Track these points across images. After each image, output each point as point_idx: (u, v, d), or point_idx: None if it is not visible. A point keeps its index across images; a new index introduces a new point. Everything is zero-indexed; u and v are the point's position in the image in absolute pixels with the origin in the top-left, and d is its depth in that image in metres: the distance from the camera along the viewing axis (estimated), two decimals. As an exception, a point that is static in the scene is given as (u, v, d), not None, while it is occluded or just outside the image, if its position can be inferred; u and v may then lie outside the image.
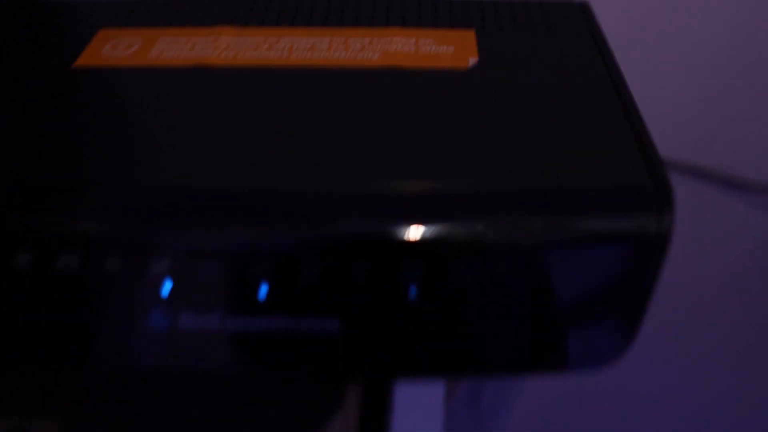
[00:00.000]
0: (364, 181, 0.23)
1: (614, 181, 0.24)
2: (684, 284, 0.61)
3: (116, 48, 0.31)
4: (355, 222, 0.22)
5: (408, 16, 0.33)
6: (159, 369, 0.24)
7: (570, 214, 0.23)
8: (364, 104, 0.27)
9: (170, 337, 0.23)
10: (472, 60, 0.30)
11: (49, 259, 0.23)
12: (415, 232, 0.22)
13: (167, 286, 0.23)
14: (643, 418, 0.71)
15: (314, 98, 0.27)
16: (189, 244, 0.22)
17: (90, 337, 0.24)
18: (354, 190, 0.23)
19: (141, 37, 0.32)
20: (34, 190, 0.23)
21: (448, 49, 0.31)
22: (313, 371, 0.24)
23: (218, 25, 0.32)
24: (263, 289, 0.23)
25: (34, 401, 0.24)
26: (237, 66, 0.30)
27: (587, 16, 0.34)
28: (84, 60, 0.30)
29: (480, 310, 0.24)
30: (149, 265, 0.23)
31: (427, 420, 0.23)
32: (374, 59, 0.30)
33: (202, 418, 0.23)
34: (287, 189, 0.23)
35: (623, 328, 0.25)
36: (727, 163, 0.55)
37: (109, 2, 0.35)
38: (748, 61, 0.52)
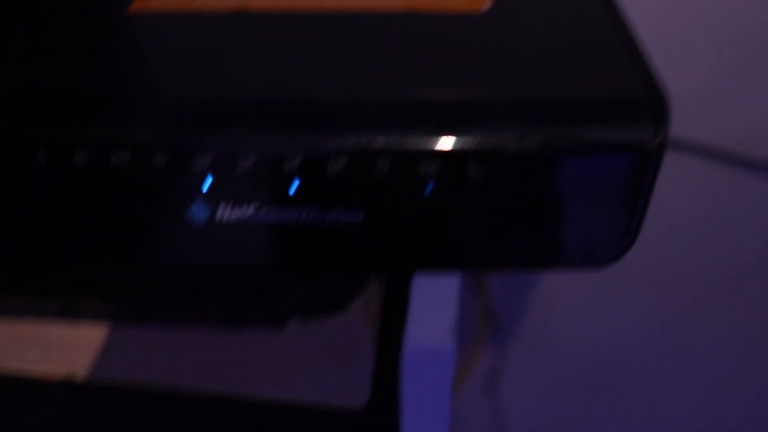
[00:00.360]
0: (386, 91, 0.26)
1: (612, 93, 0.26)
2: (703, 267, 0.62)
3: (165, -1, 0.34)
4: (377, 125, 0.25)
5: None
6: (197, 263, 0.27)
7: (570, 122, 0.26)
8: (389, 38, 0.30)
9: (209, 231, 0.26)
10: (486, 5, 0.33)
11: (103, 158, 0.26)
12: (430, 135, 0.25)
13: (208, 182, 0.26)
14: (661, 409, 0.72)
15: (345, 37, 0.30)
16: (231, 144, 0.25)
17: (136, 232, 0.27)
18: (377, 98, 0.26)
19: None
20: (94, 99, 0.26)
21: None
22: (338, 262, 0.26)
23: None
24: (294, 184, 0.25)
25: (81, 282, 0.26)
26: (273, 10, 0.32)
27: None
28: (137, 6, 0.33)
29: (487, 209, 0.26)
30: (193, 163, 0.25)
31: (441, 312, 0.25)
32: (398, 4, 0.33)
33: (234, 301, 0.25)
34: (317, 98, 0.26)
35: (620, 230, 0.27)
36: (743, 143, 0.57)
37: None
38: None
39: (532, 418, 0.75)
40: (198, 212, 0.26)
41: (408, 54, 0.29)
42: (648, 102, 0.26)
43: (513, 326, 0.62)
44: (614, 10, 0.33)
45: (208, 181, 0.26)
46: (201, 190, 0.26)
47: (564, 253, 0.27)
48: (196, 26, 0.32)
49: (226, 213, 0.26)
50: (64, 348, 0.27)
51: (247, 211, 0.26)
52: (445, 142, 0.25)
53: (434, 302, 0.26)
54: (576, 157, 0.26)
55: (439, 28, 0.31)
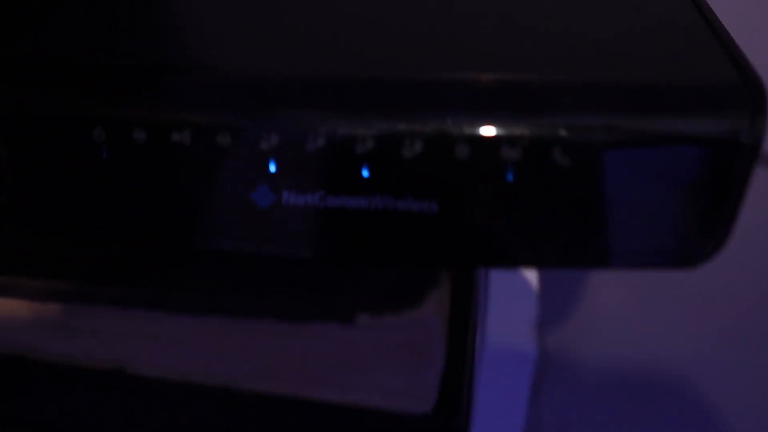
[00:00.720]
0: (464, 72, 0.24)
1: (705, 79, 0.24)
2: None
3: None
4: (458, 107, 0.23)
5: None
6: (260, 249, 0.25)
7: (661, 111, 0.24)
8: (462, 14, 0.28)
9: (273, 215, 0.24)
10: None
11: (164, 134, 0.24)
12: (513, 119, 0.23)
13: (274, 164, 0.24)
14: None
15: (413, 12, 0.29)
16: (299, 125, 0.23)
17: (196, 214, 0.25)
18: (455, 78, 0.24)
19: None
20: (153, 73, 0.25)
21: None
22: (410, 254, 0.24)
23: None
24: (366, 169, 0.24)
25: (135, 270, 0.25)
26: None
27: None
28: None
29: (571, 200, 0.24)
30: (260, 143, 0.24)
31: (522, 310, 0.23)
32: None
33: (298, 294, 0.23)
34: (391, 77, 0.24)
35: (710, 228, 0.25)
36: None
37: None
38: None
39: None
40: (263, 194, 0.24)
41: (484, 33, 0.27)
42: (744, 89, 0.24)
43: (553, 338, 0.60)
44: None
45: (274, 162, 0.24)
46: (267, 172, 0.24)
47: (652, 250, 0.25)
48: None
49: (291, 197, 0.24)
50: (114, 337, 0.26)
51: (315, 195, 0.24)
52: (529, 126, 0.23)
53: (513, 299, 0.24)
54: (667, 147, 0.24)
55: (511, 6, 0.29)
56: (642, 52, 0.26)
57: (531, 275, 0.24)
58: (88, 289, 0.24)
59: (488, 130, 0.23)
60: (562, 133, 0.23)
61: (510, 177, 0.24)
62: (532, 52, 0.26)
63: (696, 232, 0.25)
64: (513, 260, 0.25)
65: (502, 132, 0.23)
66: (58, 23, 0.29)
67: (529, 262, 0.25)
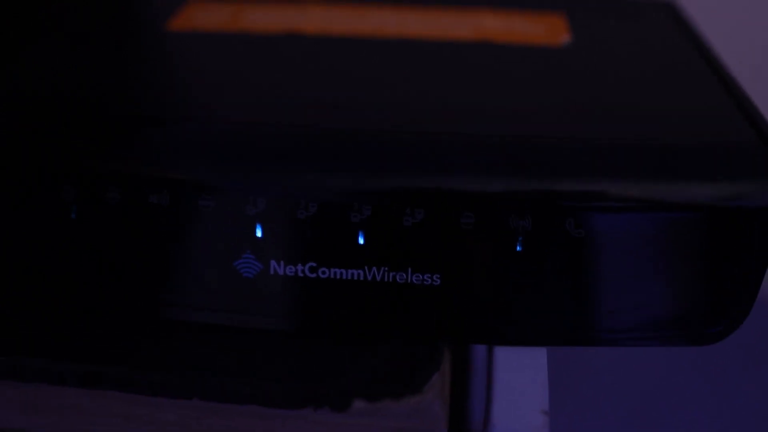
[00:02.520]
0: (472, 134, 0.22)
1: (722, 139, 0.22)
2: None
3: (208, 15, 0.30)
4: (461, 175, 0.21)
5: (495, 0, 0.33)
6: (245, 321, 0.22)
7: (684, 175, 0.22)
8: (461, 71, 0.26)
9: (259, 285, 0.22)
10: (566, 38, 0.29)
11: (141, 194, 0.22)
12: (523, 183, 0.21)
13: (260, 230, 0.21)
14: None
15: (411, 64, 0.27)
16: (287, 186, 0.21)
17: (173, 283, 0.22)
18: (461, 141, 0.22)
19: (231, 7, 0.31)
20: (128, 127, 0.22)
21: (539, 28, 0.30)
22: (408, 330, 0.22)
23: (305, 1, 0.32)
24: (361, 237, 0.21)
25: (106, 347, 0.22)
26: (330, 35, 0.29)
27: (675, 12, 0.33)
28: (177, 25, 0.30)
29: (584, 271, 0.22)
30: (245, 207, 0.21)
31: (531, 392, 0.21)
32: (467, 34, 0.29)
33: (287, 376, 0.21)
34: (391, 136, 0.22)
35: (730, 303, 0.23)
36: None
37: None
38: None
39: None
40: (248, 263, 0.22)
41: (490, 89, 0.25)
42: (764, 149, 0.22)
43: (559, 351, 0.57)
44: (701, 42, 0.29)
45: (261, 228, 0.21)
46: (253, 238, 0.22)
47: (666, 327, 0.23)
48: (245, 47, 0.28)
49: (280, 267, 0.22)
50: (83, 415, 0.23)
51: (306, 266, 0.22)
52: (542, 194, 0.21)
53: (521, 383, 0.21)
54: (691, 215, 0.22)
55: (518, 62, 0.27)
56: (655, 109, 0.24)
57: (539, 354, 0.22)
58: (55, 367, 0.21)
59: (498, 197, 0.21)
60: (576, 201, 0.21)
61: (519, 247, 0.21)
62: (546, 114, 0.23)
63: (715, 308, 0.23)
64: (522, 338, 0.22)
65: (512, 200, 0.21)
66: (22, 65, 0.26)
67: (539, 341, 0.22)
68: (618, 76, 0.27)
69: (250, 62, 0.27)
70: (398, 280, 0.22)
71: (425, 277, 0.22)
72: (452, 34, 0.29)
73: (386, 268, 0.22)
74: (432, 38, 0.29)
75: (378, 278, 0.22)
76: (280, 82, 0.25)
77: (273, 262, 0.22)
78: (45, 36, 0.28)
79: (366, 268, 0.22)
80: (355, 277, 0.22)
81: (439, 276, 0.22)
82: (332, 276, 0.22)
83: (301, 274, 0.22)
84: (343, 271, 0.22)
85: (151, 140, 0.22)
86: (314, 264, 0.22)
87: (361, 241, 0.21)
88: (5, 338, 0.22)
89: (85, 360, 0.22)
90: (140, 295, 0.23)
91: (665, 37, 0.30)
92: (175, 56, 0.27)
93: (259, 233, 0.22)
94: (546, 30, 0.30)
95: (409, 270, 0.22)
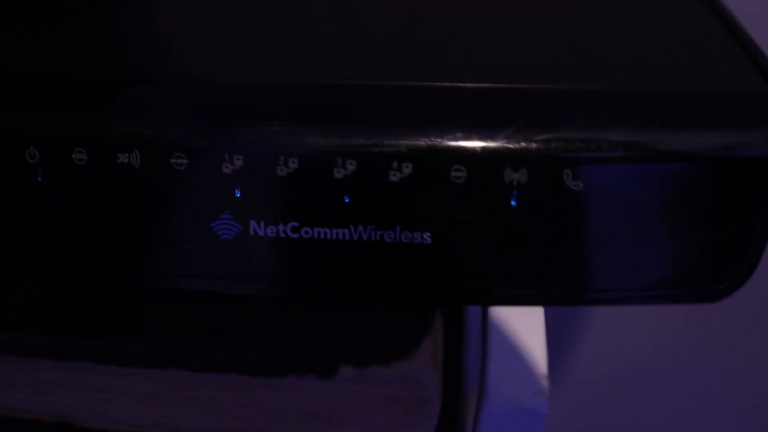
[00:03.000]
0: (463, 85, 0.20)
1: (732, 87, 0.21)
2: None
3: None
4: (452, 125, 0.19)
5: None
6: (224, 286, 0.21)
7: (687, 124, 0.20)
8: (455, 18, 0.25)
9: (238, 248, 0.20)
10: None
11: (110, 155, 0.20)
12: (519, 136, 0.19)
13: (239, 189, 0.20)
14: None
15: (400, 12, 0.25)
16: (269, 143, 0.20)
17: (146, 247, 0.21)
18: (451, 90, 0.20)
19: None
20: (95, 85, 0.21)
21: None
22: (397, 293, 0.21)
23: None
24: (346, 195, 0.20)
25: (79, 317, 0.21)
26: None
27: None
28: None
29: (583, 225, 0.20)
30: (222, 166, 0.20)
31: (529, 359, 0.20)
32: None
33: (270, 343, 0.20)
34: (377, 86, 0.20)
35: (734, 258, 0.21)
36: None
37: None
38: None
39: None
40: (226, 224, 0.20)
41: (484, 37, 0.23)
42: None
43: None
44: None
45: (239, 188, 0.20)
46: (231, 198, 0.20)
47: (672, 283, 0.22)
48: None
49: (260, 227, 0.20)
50: (57, 389, 0.22)
51: (287, 225, 0.20)
52: (536, 141, 0.19)
53: (518, 346, 0.20)
54: (696, 164, 0.20)
55: (516, 8, 0.25)
56: (663, 57, 0.23)
57: (536, 316, 0.21)
58: (26, 340, 0.20)
59: (491, 150, 0.19)
60: (574, 151, 0.19)
61: (513, 202, 0.20)
62: (542, 62, 0.22)
63: (721, 263, 0.22)
64: (517, 298, 0.21)
65: (507, 152, 0.19)
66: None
67: (536, 300, 0.21)
68: (621, 23, 0.25)
69: (222, 16, 0.25)
70: (386, 239, 0.20)
71: (415, 236, 0.20)
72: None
73: (373, 227, 0.20)
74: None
75: (365, 238, 0.20)
76: (257, 34, 0.24)
77: (253, 223, 0.20)
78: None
79: (352, 227, 0.20)
80: (341, 237, 0.20)
81: (429, 234, 0.20)
82: (316, 236, 0.20)
83: (282, 235, 0.20)
84: (327, 230, 0.20)
85: (118, 98, 0.21)
86: (296, 224, 0.20)
87: (345, 198, 0.20)
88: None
89: (58, 332, 0.21)
90: (113, 262, 0.22)
91: None
92: (141, 13, 0.26)
93: (237, 193, 0.20)
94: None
95: (398, 228, 0.20)
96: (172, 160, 0.20)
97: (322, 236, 0.20)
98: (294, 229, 0.20)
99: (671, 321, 0.58)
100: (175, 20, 0.25)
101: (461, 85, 0.21)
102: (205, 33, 0.24)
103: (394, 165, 0.20)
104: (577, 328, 0.56)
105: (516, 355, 0.20)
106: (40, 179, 0.21)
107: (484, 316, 0.21)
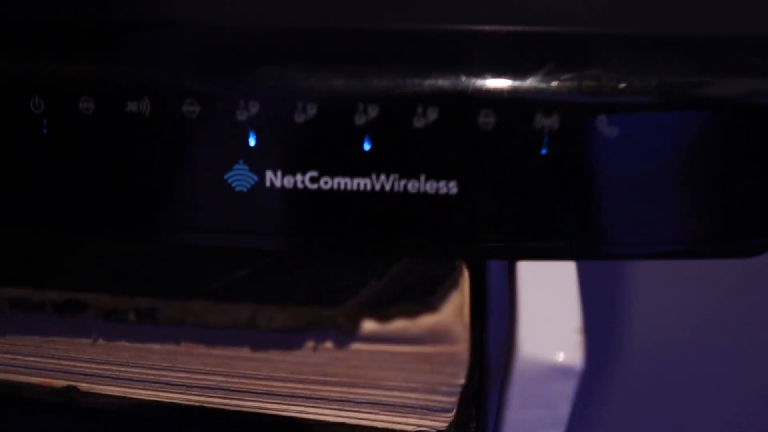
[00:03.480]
0: (489, 24, 0.19)
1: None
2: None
3: None
4: (477, 68, 0.18)
5: None
6: (238, 240, 0.20)
7: (729, 68, 0.19)
8: None
9: (254, 199, 0.19)
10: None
11: (118, 103, 0.19)
12: (549, 77, 0.18)
13: (254, 137, 0.19)
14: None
15: None
16: (284, 88, 0.18)
17: (158, 199, 0.20)
18: (476, 32, 0.19)
19: None
20: (100, 30, 0.20)
21: None
22: (422, 244, 0.20)
23: None
24: (368, 142, 0.19)
25: (89, 271, 0.20)
26: None
27: None
28: None
29: (617, 176, 0.19)
30: (236, 112, 0.19)
31: (562, 314, 0.19)
32: None
33: (291, 297, 0.19)
34: (397, 27, 0.19)
35: None
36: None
37: None
38: None
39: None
40: (241, 175, 0.19)
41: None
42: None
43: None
44: None
45: (254, 135, 0.19)
46: (245, 147, 0.19)
47: (705, 238, 0.21)
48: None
49: (277, 177, 0.19)
50: (65, 350, 0.21)
51: (305, 175, 0.19)
52: (569, 86, 0.18)
53: (549, 299, 0.19)
54: (734, 111, 0.19)
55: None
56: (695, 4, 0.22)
57: (568, 270, 0.20)
58: (34, 296, 0.19)
59: (521, 92, 0.18)
60: (611, 95, 0.18)
61: (544, 150, 0.19)
62: (573, 4, 0.21)
63: (756, 218, 0.21)
64: (547, 251, 0.20)
65: (539, 94, 0.18)
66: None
67: (566, 254, 0.20)
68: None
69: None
70: (410, 189, 0.19)
71: (440, 185, 0.19)
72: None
73: (396, 176, 0.19)
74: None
75: (387, 187, 0.19)
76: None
77: (269, 173, 0.19)
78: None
79: (374, 176, 0.19)
80: (362, 187, 0.19)
81: (455, 183, 0.19)
82: (335, 186, 0.19)
83: (300, 186, 0.19)
84: (348, 180, 0.19)
85: (127, 43, 0.20)
86: (315, 173, 0.19)
87: (367, 146, 0.19)
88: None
89: (64, 287, 0.20)
90: (122, 217, 0.21)
91: None
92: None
93: (252, 141, 0.19)
94: None
95: (422, 177, 0.19)
96: (184, 108, 0.19)
97: (342, 187, 0.19)
98: (312, 180, 0.19)
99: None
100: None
101: (489, 27, 0.19)
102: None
103: (419, 110, 0.19)
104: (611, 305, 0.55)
105: (546, 310, 0.19)
106: (45, 131, 0.20)
107: (511, 269, 0.20)
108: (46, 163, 0.21)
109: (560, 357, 0.18)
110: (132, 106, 0.19)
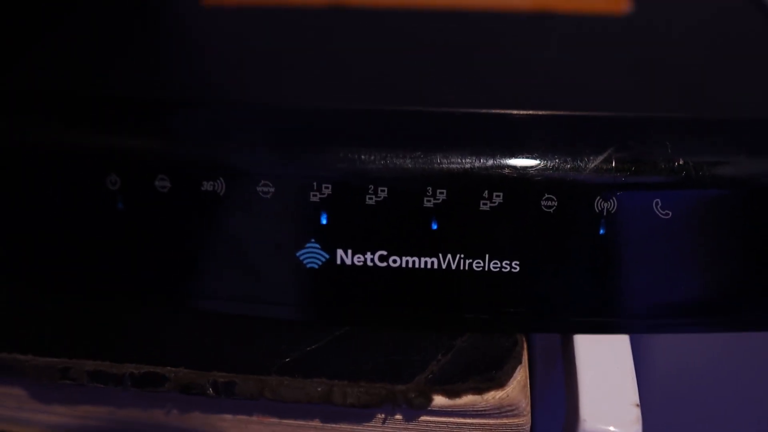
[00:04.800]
0: (554, 114, 0.21)
1: None
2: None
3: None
4: (546, 153, 0.20)
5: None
6: (308, 314, 0.21)
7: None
8: (527, 43, 0.25)
9: (325, 275, 0.21)
10: (626, 4, 0.28)
11: (193, 183, 0.20)
12: (612, 165, 0.20)
13: (325, 216, 0.20)
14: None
15: (474, 39, 0.25)
16: (357, 170, 0.20)
17: (233, 276, 0.21)
18: (543, 121, 0.20)
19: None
20: (183, 106, 0.21)
21: (599, -5, 0.28)
22: (487, 319, 0.21)
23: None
24: (435, 223, 0.20)
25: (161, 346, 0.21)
26: (376, 6, 0.27)
27: None
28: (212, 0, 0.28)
29: (672, 255, 0.21)
30: (307, 193, 0.20)
31: (619, 387, 0.20)
32: (525, 3, 0.27)
33: (357, 370, 0.20)
34: (467, 114, 0.21)
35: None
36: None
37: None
38: None
39: None
40: (312, 253, 0.21)
41: (563, 65, 0.24)
42: None
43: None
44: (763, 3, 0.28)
45: (326, 215, 0.20)
46: (317, 226, 0.20)
47: (751, 311, 0.22)
48: (291, 23, 0.26)
49: (347, 255, 0.20)
50: (136, 416, 0.22)
51: (375, 254, 0.20)
52: (629, 171, 0.19)
53: (607, 373, 0.20)
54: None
55: (583, 33, 0.26)
56: (735, 81, 0.23)
57: (623, 345, 0.21)
58: (113, 369, 0.20)
59: (582, 179, 0.19)
60: (666, 179, 0.20)
61: (602, 230, 0.20)
62: (620, 89, 0.22)
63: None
64: (604, 326, 0.21)
65: (599, 180, 0.19)
66: (54, 48, 0.25)
67: (623, 329, 0.21)
68: (684, 46, 0.26)
69: (299, 40, 0.25)
70: (474, 267, 0.20)
71: (503, 264, 0.20)
72: (510, 4, 0.28)
73: (462, 255, 0.20)
74: (490, 8, 0.27)
75: (453, 266, 0.20)
76: (336, 61, 0.24)
77: (340, 251, 0.21)
78: (74, 17, 0.27)
79: (440, 255, 0.20)
80: (428, 266, 0.20)
81: (518, 262, 0.20)
82: (403, 264, 0.20)
83: (370, 263, 0.21)
84: (416, 259, 0.20)
85: (204, 123, 0.21)
86: (384, 252, 0.20)
87: (434, 227, 0.20)
88: (55, 338, 0.21)
89: (141, 360, 0.21)
90: (196, 290, 0.22)
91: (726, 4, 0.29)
92: (217, 35, 0.26)
93: (324, 221, 0.20)
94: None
95: (487, 256, 0.20)
96: (259, 188, 0.20)
97: (409, 265, 0.21)
98: (382, 258, 0.21)
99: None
100: (249, 44, 0.25)
101: (549, 113, 0.21)
102: (278, 58, 0.24)
103: (485, 194, 0.20)
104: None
105: (607, 384, 0.20)
106: (120, 206, 0.21)
107: (567, 343, 0.21)
108: (120, 235, 0.22)
109: (623, 429, 0.19)
110: (207, 186, 0.20)
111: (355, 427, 0.20)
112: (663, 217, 0.20)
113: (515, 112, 0.21)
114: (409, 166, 0.20)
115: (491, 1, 0.28)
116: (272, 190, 0.20)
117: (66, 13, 0.27)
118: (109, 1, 0.28)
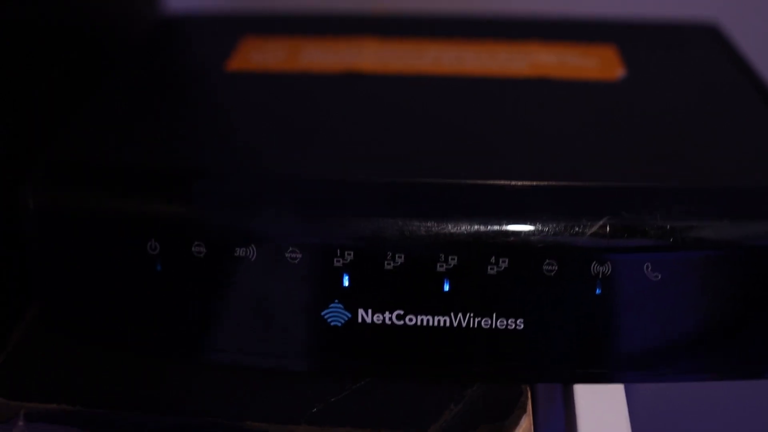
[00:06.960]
0: (547, 181, 0.23)
1: None
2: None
3: (264, 54, 0.31)
4: (547, 222, 0.22)
5: (545, 32, 0.34)
6: (332, 368, 0.24)
7: (754, 214, 0.23)
8: (525, 110, 0.28)
9: (347, 333, 0.23)
10: (620, 72, 0.30)
11: (227, 249, 0.23)
12: (607, 234, 0.22)
13: (347, 279, 0.23)
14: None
15: (480, 105, 0.28)
16: (377, 238, 0.22)
17: (261, 333, 0.24)
18: (542, 189, 0.23)
19: (286, 44, 0.32)
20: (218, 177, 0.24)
21: (593, 61, 0.31)
22: (493, 371, 0.23)
23: (359, 36, 0.33)
24: (447, 285, 0.23)
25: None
26: (388, 73, 0.30)
27: (719, 36, 0.34)
28: (236, 64, 0.31)
29: (661, 314, 0.23)
30: (331, 259, 0.22)
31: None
32: (524, 70, 0.30)
33: (384, 416, 0.22)
34: (470, 183, 0.23)
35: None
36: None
37: (238, 16, 0.36)
38: None
39: None
40: (336, 312, 0.23)
41: (556, 132, 0.26)
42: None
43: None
44: (748, 68, 0.31)
45: (348, 278, 0.23)
46: (340, 288, 0.23)
47: (748, 363, 0.24)
48: (309, 90, 0.29)
49: (368, 314, 0.23)
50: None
51: (393, 313, 0.23)
52: (623, 238, 0.22)
53: (604, 420, 0.23)
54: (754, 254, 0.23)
55: (578, 99, 0.28)
56: (730, 148, 0.26)
57: (618, 393, 0.23)
58: (148, 420, 0.23)
59: (580, 246, 0.22)
60: (657, 246, 0.22)
61: (598, 291, 0.23)
62: (615, 160, 0.25)
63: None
64: (600, 376, 0.24)
65: (595, 247, 0.22)
66: (91, 118, 0.27)
67: (617, 378, 0.24)
68: (672, 114, 0.28)
69: (319, 110, 0.28)
70: (483, 325, 0.23)
71: (509, 322, 0.23)
72: (510, 70, 0.30)
73: (471, 314, 0.23)
74: (491, 74, 0.30)
75: (464, 324, 0.23)
76: (353, 133, 0.26)
77: (361, 311, 0.23)
78: (105, 88, 0.29)
79: (452, 314, 0.23)
80: (441, 324, 0.23)
81: (522, 320, 0.23)
82: (419, 323, 0.23)
83: (388, 322, 0.23)
84: (430, 317, 0.23)
85: (238, 194, 0.23)
86: (401, 312, 0.23)
87: (446, 288, 0.23)
88: (95, 391, 0.24)
89: (175, 413, 0.23)
90: (227, 347, 0.24)
91: (714, 66, 0.32)
92: (243, 104, 0.29)
93: (346, 283, 0.23)
94: (600, 64, 0.31)
95: (494, 315, 0.23)
96: (287, 254, 0.23)
97: (424, 323, 0.23)
98: (399, 317, 0.23)
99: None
100: (274, 113, 0.28)
101: (547, 183, 0.23)
102: (301, 128, 0.27)
103: (492, 260, 0.22)
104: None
105: (603, 428, 0.23)
106: (158, 268, 0.24)
107: (568, 392, 0.24)
108: (158, 295, 0.24)
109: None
110: (240, 252, 0.23)
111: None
112: (653, 279, 0.23)
113: (518, 183, 0.23)
114: (423, 234, 0.22)
115: (493, 67, 0.30)
116: (299, 256, 0.23)
117: (96, 84, 0.30)
118: (136, 70, 0.31)
